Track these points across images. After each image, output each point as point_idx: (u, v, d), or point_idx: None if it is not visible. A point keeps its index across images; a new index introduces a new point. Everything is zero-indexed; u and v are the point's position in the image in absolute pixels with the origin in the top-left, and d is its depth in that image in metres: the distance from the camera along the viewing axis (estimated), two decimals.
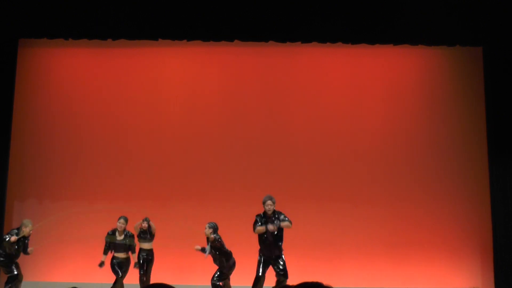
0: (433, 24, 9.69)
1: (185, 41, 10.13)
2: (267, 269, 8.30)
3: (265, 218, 8.34)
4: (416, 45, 10.15)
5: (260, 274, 8.23)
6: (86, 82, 10.71)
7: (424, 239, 10.23)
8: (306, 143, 10.56)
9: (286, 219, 8.33)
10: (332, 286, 2.91)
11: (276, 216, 8.33)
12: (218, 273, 8.43)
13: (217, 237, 8.35)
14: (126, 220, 8.93)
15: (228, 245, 8.49)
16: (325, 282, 2.87)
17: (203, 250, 8.45)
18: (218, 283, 8.38)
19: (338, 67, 10.80)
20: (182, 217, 10.04)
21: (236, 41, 10.11)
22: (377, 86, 10.72)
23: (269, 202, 8.35)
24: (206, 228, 8.41)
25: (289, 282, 8.08)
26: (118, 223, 8.88)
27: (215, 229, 8.40)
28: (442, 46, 10.31)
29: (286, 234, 8.41)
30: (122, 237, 8.87)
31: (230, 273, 8.51)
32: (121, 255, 8.86)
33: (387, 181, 10.46)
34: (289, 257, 8.47)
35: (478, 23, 9.80)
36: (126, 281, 8.87)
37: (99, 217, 9.79)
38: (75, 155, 10.49)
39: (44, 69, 10.73)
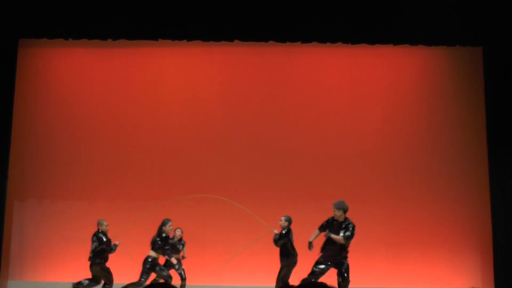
0: (433, 24, 9.69)
1: (185, 41, 10.13)
2: None
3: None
4: (416, 45, 10.14)
5: None
6: (86, 82, 10.71)
7: (424, 239, 10.23)
8: (306, 143, 10.55)
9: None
10: (332, 286, 2.91)
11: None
12: (279, 272, 8.36)
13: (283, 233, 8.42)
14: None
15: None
16: (325, 282, 2.87)
17: None
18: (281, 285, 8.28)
19: (338, 67, 10.80)
20: (182, 217, 10.02)
21: (236, 41, 10.11)
22: (377, 86, 10.71)
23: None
24: (281, 220, 8.52)
25: (292, 282, 8.07)
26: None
27: (289, 221, 8.53)
28: (442, 46, 10.30)
29: None
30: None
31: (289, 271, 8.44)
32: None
33: (387, 181, 10.45)
34: None
35: (478, 23, 9.79)
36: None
37: (99, 217, 9.76)
38: (75, 155, 10.49)
39: (44, 69, 10.73)
